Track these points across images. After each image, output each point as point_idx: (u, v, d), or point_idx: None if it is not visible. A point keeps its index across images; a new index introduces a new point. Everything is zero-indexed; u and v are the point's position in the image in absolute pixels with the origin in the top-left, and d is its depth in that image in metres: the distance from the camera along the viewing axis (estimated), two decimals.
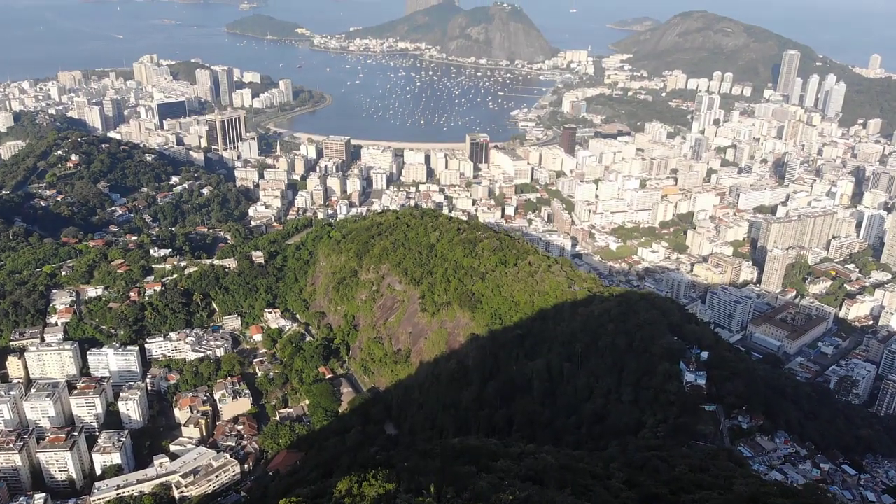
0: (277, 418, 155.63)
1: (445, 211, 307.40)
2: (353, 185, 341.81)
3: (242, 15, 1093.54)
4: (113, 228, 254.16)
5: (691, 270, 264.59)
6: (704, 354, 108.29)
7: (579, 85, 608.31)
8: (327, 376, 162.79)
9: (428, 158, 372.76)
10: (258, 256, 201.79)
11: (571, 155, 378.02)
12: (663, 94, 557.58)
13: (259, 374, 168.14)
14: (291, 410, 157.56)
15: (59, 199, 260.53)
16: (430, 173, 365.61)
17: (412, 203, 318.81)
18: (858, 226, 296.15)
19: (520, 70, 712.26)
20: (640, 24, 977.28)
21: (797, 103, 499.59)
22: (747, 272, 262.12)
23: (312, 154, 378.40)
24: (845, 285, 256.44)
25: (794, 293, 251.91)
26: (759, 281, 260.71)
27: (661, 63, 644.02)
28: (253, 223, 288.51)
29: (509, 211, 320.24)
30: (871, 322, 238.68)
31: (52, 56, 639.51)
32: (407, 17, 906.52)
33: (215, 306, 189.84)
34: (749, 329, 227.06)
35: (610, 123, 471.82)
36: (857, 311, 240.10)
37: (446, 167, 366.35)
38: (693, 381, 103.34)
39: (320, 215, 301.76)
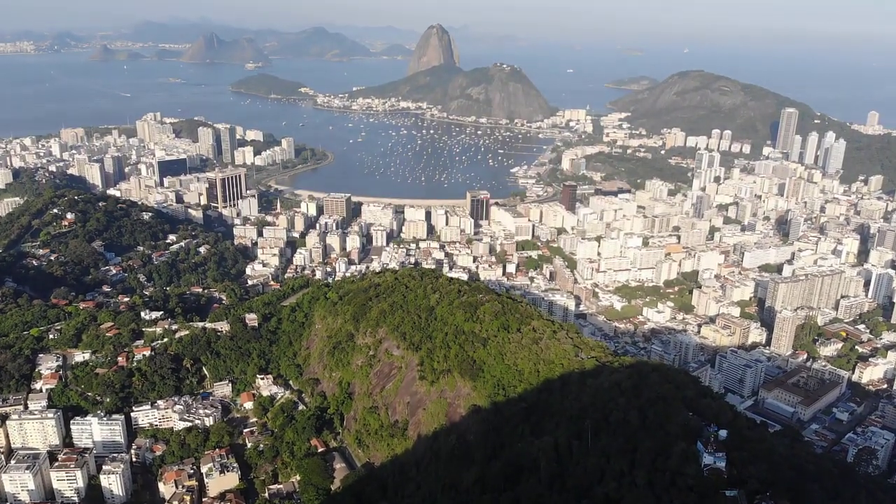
0: (266, 495, 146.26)
1: (446, 268, 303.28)
2: (353, 242, 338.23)
3: (247, 74, 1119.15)
4: (106, 288, 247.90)
5: (698, 332, 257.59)
6: (723, 433, 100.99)
7: (578, 143, 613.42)
8: (320, 449, 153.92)
9: (428, 215, 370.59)
10: (252, 319, 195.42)
11: (572, 212, 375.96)
12: (662, 152, 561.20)
13: (249, 445, 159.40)
14: (281, 487, 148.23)
15: (52, 258, 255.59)
16: (431, 230, 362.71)
17: (412, 260, 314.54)
18: (866, 285, 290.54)
19: (519, 128, 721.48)
20: (637, 84, 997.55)
21: (797, 160, 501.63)
22: (756, 333, 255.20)
23: (313, 211, 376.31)
24: (857, 347, 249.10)
25: (805, 356, 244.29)
26: (768, 343, 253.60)
27: (659, 121, 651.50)
28: (250, 282, 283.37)
29: (511, 268, 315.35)
30: (885, 385, 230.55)
31: (56, 113, 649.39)
32: (409, 78, 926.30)
33: (206, 372, 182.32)
34: (761, 394, 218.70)
35: (610, 181, 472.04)
36: (870, 375, 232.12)
37: (447, 224, 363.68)
38: (712, 464, 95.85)
39: (318, 273, 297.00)
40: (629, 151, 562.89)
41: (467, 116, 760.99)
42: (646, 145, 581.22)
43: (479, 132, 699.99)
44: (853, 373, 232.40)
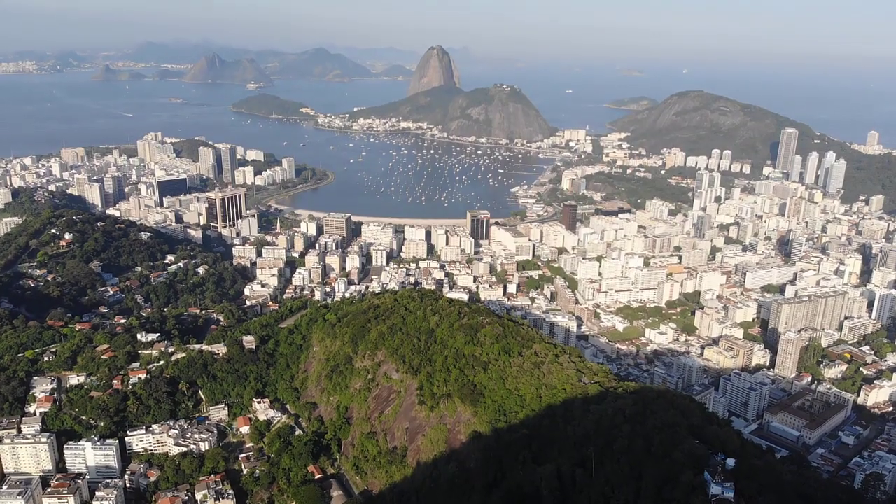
0: None
1: (446, 288, 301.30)
2: (353, 262, 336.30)
3: (248, 94, 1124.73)
4: (103, 309, 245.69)
5: (701, 354, 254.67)
6: (730, 462, 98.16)
7: (578, 163, 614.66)
8: (317, 476, 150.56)
9: (429, 235, 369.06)
10: (249, 341, 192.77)
11: (573, 232, 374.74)
12: (662, 172, 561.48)
13: (245, 471, 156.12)
14: None
15: (49, 278, 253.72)
16: (431, 250, 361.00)
17: (412, 280, 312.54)
18: (870, 305, 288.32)
19: (519, 148, 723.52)
20: (636, 104, 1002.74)
21: (797, 180, 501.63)
22: (759, 355, 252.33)
23: (312, 231, 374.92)
24: (861, 369, 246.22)
25: (809, 378, 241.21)
26: (772, 365, 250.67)
27: (659, 141, 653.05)
28: (248, 303, 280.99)
29: (511, 288, 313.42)
30: (890, 408, 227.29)
31: (58, 132, 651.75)
32: (409, 99, 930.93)
33: (202, 395, 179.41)
34: (766, 418, 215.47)
35: (610, 200, 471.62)
36: (875, 397, 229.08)
37: (447, 244, 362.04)
38: (720, 494, 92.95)
39: (318, 294, 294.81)
40: (629, 171, 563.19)
41: (467, 136, 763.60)
42: (646, 165, 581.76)
43: (479, 152, 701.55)
44: (858, 395, 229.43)
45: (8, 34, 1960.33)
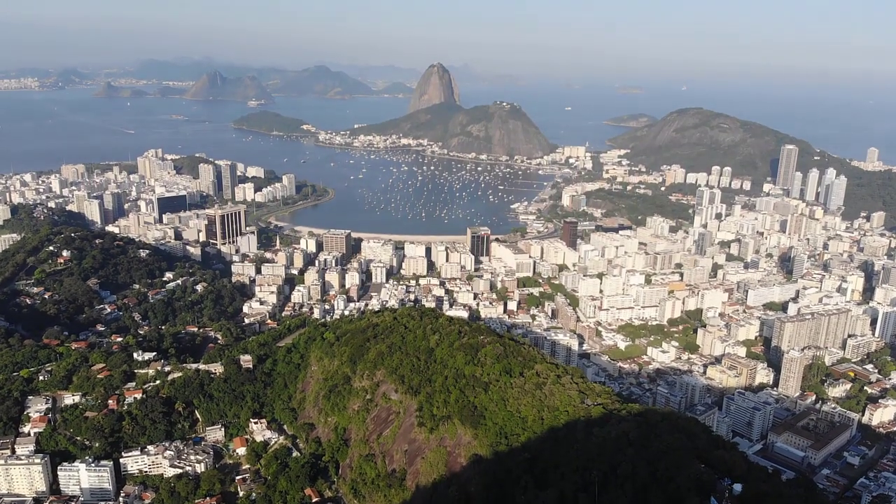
0: None
1: (446, 305, 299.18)
2: (352, 279, 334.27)
3: (250, 111, 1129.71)
4: (100, 327, 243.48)
5: (704, 372, 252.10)
6: (737, 487, 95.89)
7: (578, 179, 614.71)
8: (314, 499, 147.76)
9: (429, 251, 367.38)
10: (246, 360, 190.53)
11: (573, 248, 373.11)
12: (662, 189, 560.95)
13: (241, 494, 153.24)
14: None
15: (46, 296, 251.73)
16: (431, 266, 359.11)
17: (412, 297, 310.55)
18: (873, 323, 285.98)
19: (519, 165, 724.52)
20: (635, 121, 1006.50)
21: (798, 197, 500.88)
22: (763, 374, 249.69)
23: (312, 248, 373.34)
24: (866, 388, 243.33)
25: (813, 397, 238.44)
26: (775, 383, 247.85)
27: (658, 158, 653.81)
28: (247, 320, 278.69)
29: (512, 306, 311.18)
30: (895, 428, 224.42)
31: (58, 149, 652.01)
32: (410, 116, 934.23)
33: (198, 415, 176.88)
34: (770, 438, 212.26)
35: (610, 217, 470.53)
36: (880, 417, 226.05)
37: (447, 260, 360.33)
38: None
39: (317, 311, 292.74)
40: (629, 188, 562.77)
41: (468, 153, 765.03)
42: (646, 182, 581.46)
43: (479, 168, 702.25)
44: (863, 415, 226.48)
45: (10, 51, 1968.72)
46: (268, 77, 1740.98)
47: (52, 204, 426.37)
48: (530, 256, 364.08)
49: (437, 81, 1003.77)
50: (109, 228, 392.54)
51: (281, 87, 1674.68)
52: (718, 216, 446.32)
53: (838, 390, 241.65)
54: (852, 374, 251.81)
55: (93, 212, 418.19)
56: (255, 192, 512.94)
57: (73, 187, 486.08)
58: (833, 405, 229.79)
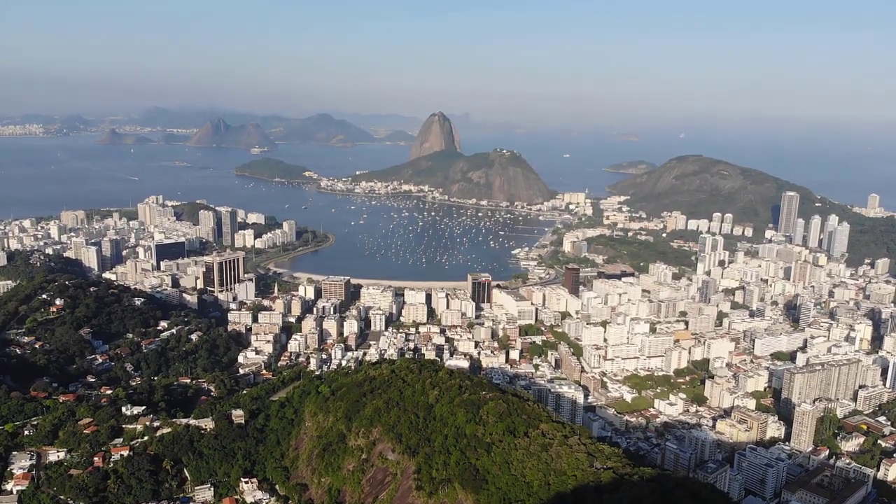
0: None
1: (446, 354, 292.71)
2: (351, 327, 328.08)
3: (252, 158, 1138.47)
4: (90, 379, 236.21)
5: (713, 426, 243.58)
6: None
7: (578, 225, 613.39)
8: None
9: (429, 298, 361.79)
10: (238, 415, 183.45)
11: (576, 295, 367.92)
12: (664, 235, 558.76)
13: None
14: None
15: (36, 346, 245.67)
16: (431, 313, 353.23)
17: (411, 346, 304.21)
18: (883, 373, 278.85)
19: (520, 211, 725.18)
20: (635, 168, 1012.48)
21: (801, 243, 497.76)
22: (774, 428, 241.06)
23: (311, 295, 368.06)
24: (879, 441, 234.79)
25: (826, 451, 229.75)
26: (787, 437, 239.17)
27: (659, 204, 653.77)
28: (241, 371, 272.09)
29: (514, 355, 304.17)
30: None
31: (60, 195, 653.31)
32: (411, 162, 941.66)
33: (187, 474, 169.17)
34: (784, 496, 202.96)
35: (612, 264, 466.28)
36: None
37: (447, 307, 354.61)
38: None
39: (313, 361, 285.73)
40: (630, 234, 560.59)
41: (468, 199, 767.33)
42: (647, 228, 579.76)
43: (479, 214, 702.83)
44: (878, 470, 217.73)
45: (15, 98, 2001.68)
46: (271, 125, 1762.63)
47: (49, 250, 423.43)
48: (532, 303, 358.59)
49: (439, 129, 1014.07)
50: (106, 275, 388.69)
51: (284, 135, 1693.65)
52: (721, 263, 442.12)
53: (851, 444, 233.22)
54: (865, 427, 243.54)
55: (90, 258, 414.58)
56: (256, 238, 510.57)
57: (72, 233, 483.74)
58: (847, 460, 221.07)
